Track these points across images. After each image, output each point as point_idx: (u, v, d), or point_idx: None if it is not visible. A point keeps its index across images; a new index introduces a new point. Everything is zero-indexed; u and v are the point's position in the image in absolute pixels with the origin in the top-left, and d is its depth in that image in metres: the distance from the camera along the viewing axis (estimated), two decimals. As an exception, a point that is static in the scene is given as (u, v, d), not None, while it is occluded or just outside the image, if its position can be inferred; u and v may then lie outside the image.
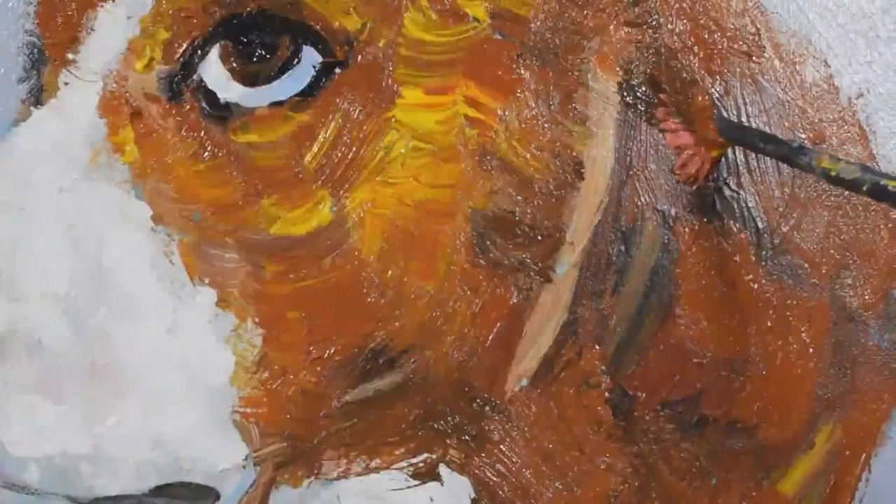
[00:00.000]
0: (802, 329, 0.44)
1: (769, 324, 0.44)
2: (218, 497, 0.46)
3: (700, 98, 0.43)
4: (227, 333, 0.44)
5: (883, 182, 0.36)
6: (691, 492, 0.45)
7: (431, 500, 0.46)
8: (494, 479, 0.45)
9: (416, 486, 0.47)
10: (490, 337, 0.44)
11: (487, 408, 0.45)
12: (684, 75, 0.43)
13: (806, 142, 0.42)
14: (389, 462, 0.46)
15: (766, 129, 0.43)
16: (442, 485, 0.47)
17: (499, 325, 0.44)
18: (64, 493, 0.44)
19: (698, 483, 0.45)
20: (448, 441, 0.45)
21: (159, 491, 0.45)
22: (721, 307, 0.44)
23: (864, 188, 0.37)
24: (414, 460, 0.46)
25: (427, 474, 0.47)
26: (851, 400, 0.46)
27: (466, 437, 0.45)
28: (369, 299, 0.43)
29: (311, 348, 0.44)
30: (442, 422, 0.45)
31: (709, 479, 0.45)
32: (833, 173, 0.38)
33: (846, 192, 0.44)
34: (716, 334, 0.44)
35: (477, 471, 0.46)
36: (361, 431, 0.45)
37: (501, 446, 0.45)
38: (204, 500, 0.46)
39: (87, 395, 0.43)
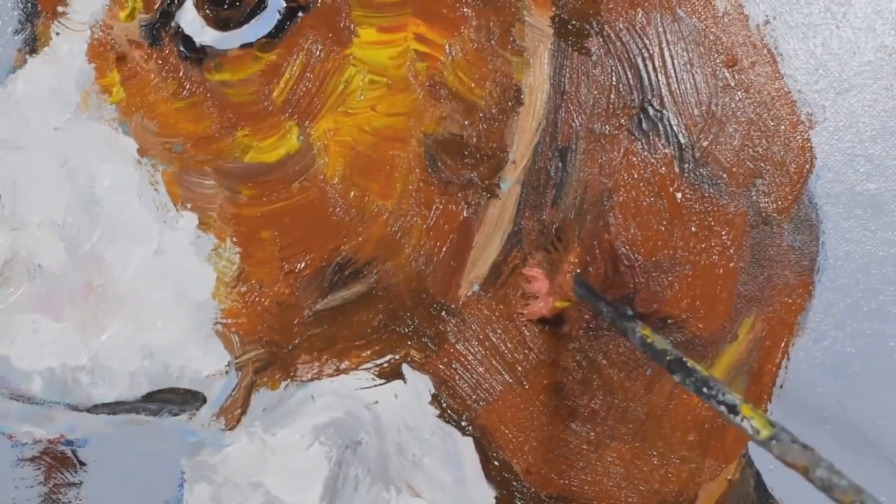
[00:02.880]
0: (723, 233, 0.59)
1: (693, 229, 0.59)
2: (204, 400, 0.58)
3: (573, 255, 0.57)
4: (208, 252, 0.56)
5: (684, 359, 0.47)
6: (629, 382, 0.60)
7: (396, 396, 0.60)
8: (452, 375, 0.60)
9: (382, 384, 0.60)
10: (444, 248, 0.58)
11: (443, 312, 0.59)
12: (569, 231, 0.58)
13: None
14: (357, 363, 0.60)
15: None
16: (405, 382, 0.60)
17: (451, 237, 0.58)
18: (65, 401, 0.55)
19: (634, 374, 0.60)
20: (409, 343, 0.59)
21: (151, 397, 0.57)
22: (649, 215, 0.58)
23: (668, 358, 0.48)
24: (379, 361, 0.60)
25: (391, 373, 0.60)
26: (769, 295, 0.60)
27: (425, 339, 0.59)
28: (334, 218, 0.56)
29: (283, 263, 0.57)
30: (403, 326, 0.59)
31: (644, 371, 0.60)
32: (648, 340, 0.49)
33: (759, 109, 0.59)
34: (645, 240, 0.58)
35: (436, 369, 0.60)
36: (331, 336, 0.58)
37: (457, 346, 0.59)
38: (192, 404, 0.59)
39: (83, 312, 0.55)
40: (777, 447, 0.41)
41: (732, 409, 0.43)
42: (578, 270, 0.57)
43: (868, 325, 0.59)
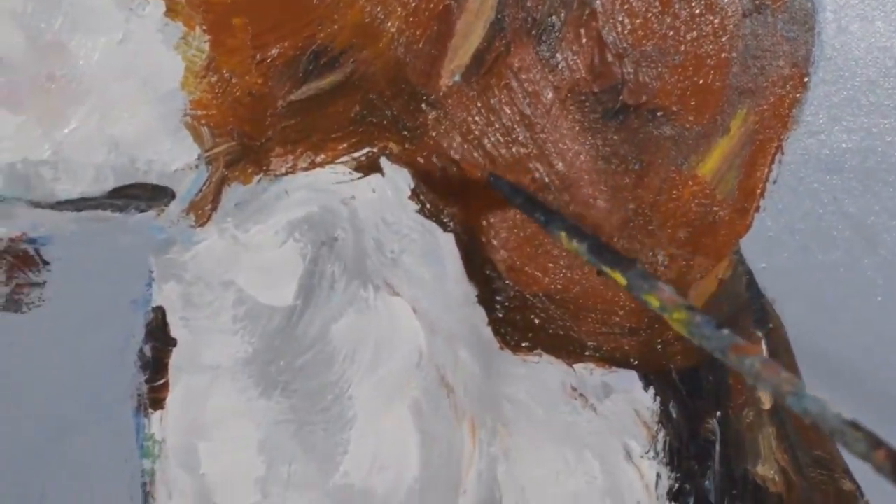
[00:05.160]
0: (715, 21, 0.73)
1: (684, 16, 0.72)
2: (173, 196, 0.70)
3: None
4: (177, 41, 0.66)
5: (603, 268, 0.60)
6: (617, 176, 0.75)
7: (374, 191, 0.73)
8: (432, 168, 0.74)
9: (359, 178, 0.73)
10: (424, 36, 0.69)
11: (423, 103, 0.71)
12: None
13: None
14: (333, 156, 0.72)
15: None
16: (383, 176, 0.73)
17: (432, 24, 0.69)
18: (27, 198, 0.65)
19: (622, 168, 0.74)
20: (387, 135, 0.71)
21: (118, 192, 0.67)
22: (638, 2, 0.72)
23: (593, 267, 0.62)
24: (356, 154, 0.72)
25: (369, 167, 0.72)
26: (763, 87, 0.74)
27: (405, 131, 0.71)
28: (309, 3, 0.67)
29: (255, 52, 0.67)
30: (381, 117, 0.70)
31: (632, 165, 0.74)
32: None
33: None
34: (634, 28, 0.72)
35: (415, 162, 0.72)
36: (306, 128, 0.70)
37: (437, 138, 0.73)
38: (160, 200, 0.69)
39: (45, 104, 0.64)
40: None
41: None
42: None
43: (865, 119, 0.73)
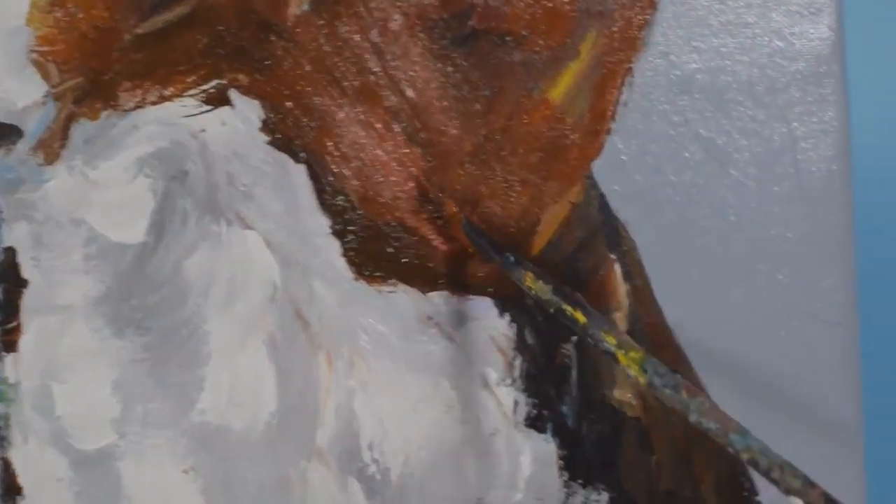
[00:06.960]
0: None
1: None
2: (21, 134, 0.75)
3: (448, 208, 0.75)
4: None
5: (564, 306, 0.66)
6: (468, 102, 0.79)
7: (224, 123, 0.77)
8: (281, 99, 0.79)
9: (208, 110, 0.77)
10: (269, -35, 0.75)
11: (272, 33, 0.76)
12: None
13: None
14: (182, 90, 0.76)
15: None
16: (233, 108, 0.77)
17: (277, -49, 0.75)
18: None
19: (473, 94, 0.79)
20: (236, 66, 0.75)
21: None
22: None
23: (552, 309, 0.66)
24: (205, 87, 0.76)
25: (218, 99, 0.77)
26: (612, 9, 0.80)
27: (253, 62, 0.76)
28: None
29: None
30: (229, 49, 0.75)
31: (483, 91, 0.80)
32: (532, 291, 0.69)
33: None
34: None
35: (265, 93, 0.77)
36: (154, 61, 0.74)
37: (287, 68, 0.77)
38: (7, 138, 0.74)
39: None
40: (653, 392, 0.59)
41: (613, 357, 0.62)
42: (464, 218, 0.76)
43: (715, 40, 0.79)
